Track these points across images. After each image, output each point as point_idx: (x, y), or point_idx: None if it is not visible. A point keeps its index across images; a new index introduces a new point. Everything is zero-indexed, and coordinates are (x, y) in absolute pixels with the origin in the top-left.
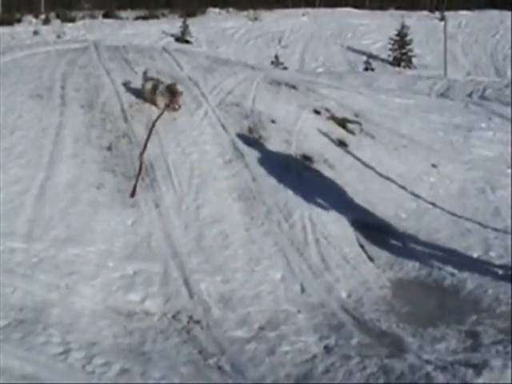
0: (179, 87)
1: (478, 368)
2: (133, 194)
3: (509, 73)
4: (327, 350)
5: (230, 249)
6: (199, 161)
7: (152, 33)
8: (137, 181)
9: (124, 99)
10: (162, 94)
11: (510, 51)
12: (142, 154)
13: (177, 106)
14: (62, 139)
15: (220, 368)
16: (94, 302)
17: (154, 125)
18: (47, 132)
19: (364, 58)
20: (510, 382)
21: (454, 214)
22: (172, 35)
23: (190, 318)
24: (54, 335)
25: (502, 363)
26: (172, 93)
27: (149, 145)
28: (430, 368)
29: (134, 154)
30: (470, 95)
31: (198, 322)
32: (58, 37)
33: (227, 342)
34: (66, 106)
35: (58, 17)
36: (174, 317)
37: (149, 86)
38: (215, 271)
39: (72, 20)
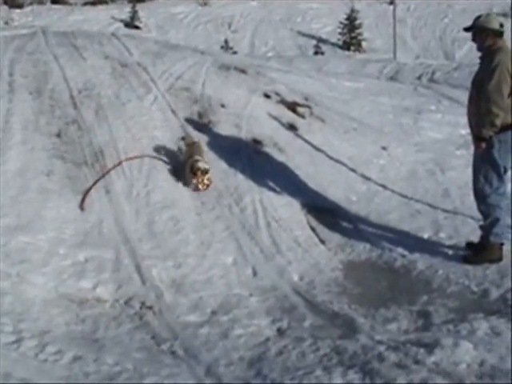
0: (201, 165)
1: (430, 347)
2: (82, 205)
3: (457, 56)
4: (280, 332)
5: (181, 234)
6: (149, 146)
7: (101, 18)
8: (87, 192)
9: (72, 85)
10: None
11: (458, 34)
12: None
13: (200, 186)
14: (10, 126)
15: (173, 353)
16: (45, 290)
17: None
18: None
19: (314, 42)
20: (460, 360)
21: (404, 196)
22: (121, 21)
23: (143, 303)
24: (6, 324)
25: (452, 342)
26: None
27: (98, 131)
28: (381, 348)
29: (83, 140)
30: (419, 78)
31: (150, 307)
32: (6, 23)
33: (180, 327)
34: (14, 93)
35: (5, 3)
36: (126, 303)
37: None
38: (167, 256)
39: (20, 6)
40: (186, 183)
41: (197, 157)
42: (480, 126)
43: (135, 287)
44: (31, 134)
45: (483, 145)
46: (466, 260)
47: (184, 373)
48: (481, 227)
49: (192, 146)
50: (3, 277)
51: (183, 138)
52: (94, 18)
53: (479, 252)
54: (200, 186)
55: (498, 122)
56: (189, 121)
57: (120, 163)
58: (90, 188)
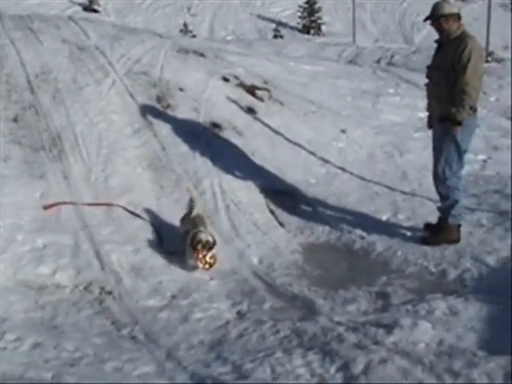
0: (204, 237)
1: (389, 327)
2: (46, 207)
3: (416, 40)
4: (240, 315)
5: (140, 219)
6: (107, 130)
7: (58, 2)
8: (58, 204)
9: (29, 69)
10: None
11: (417, 19)
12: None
13: (201, 265)
14: None
15: (133, 338)
16: (3, 277)
17: None
18: None
19: (273, 25)
20: (419, 339)
21: (362, 178)
22: (79, 4)
23: (102, 289)
24: None
25: (411, 322)
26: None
27: (55, 115)
28: (341, 329)
29: (40, 125)
30: (378, 61)
31: (109, 292)
32: None
33: (140, 312)
34: None
35: None
36: (85, 288)
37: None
38: (126, 241)
39: None
40: (184, 260)
41: (201, 228)
42: (456, 110)
43: (94, 272)
44: None
45: (458, 128)
46: (424, 241)
47: (145, 357)
48: (439, 209)
49: (195, 219)
50: None
51: (190, 210)
52: (50, 2)
53: (437, 233)
54: (200, 265)
55: (476, 105)
56: (147, 105)
57: (111, 205)
58: (64, 203)
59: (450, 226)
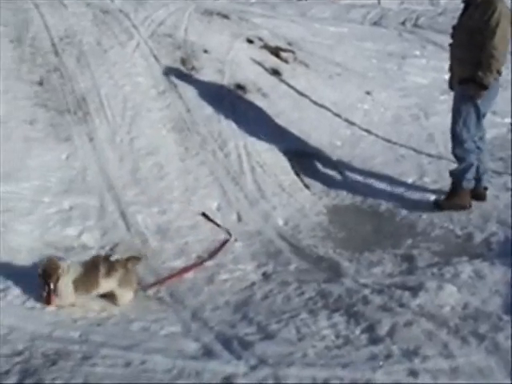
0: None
1: (414, 290)
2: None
3: (442, 1)
4: (265, 276)
5: (165, 180)
6: (132, 93)
7: None
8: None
9: (53, 33)
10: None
11: None
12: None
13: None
14: None
15: (159, 298)
16: (31, 239)
17: None
18: None
19: None
20: (444, 302)
21: (388, 141)
22: None
23: (128, 250)
24: None
25: (436, 285)
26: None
27: (80, 78)
28: (366, 291)
29: (65, 88)
30: (403, 23)
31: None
32: None
33: (166, 273)
34: None
35: None
36: (111, 250)
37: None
38: (151, 203)
39: None
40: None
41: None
42: (482, 74)
43: (120, 234)
44: (13, 83)
45: (483, 93)
46: (436, 205)
47: (171, 317)
48: (451, 173)
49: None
50: None
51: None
52: None
53: (450, 197)
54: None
55: (502, 69)
56: (172, 67)
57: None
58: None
59: (464, 191)
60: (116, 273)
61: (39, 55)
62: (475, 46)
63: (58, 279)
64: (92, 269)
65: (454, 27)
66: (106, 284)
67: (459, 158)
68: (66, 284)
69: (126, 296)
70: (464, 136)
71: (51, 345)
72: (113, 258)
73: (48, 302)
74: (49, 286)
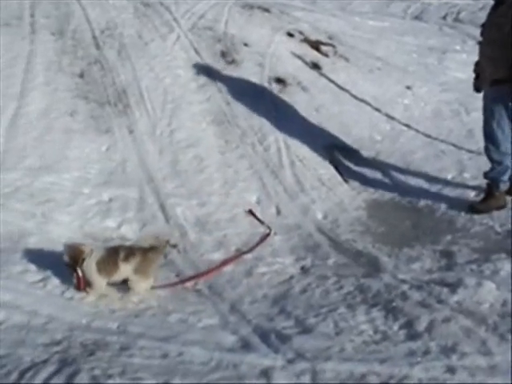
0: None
1: (453, 286)
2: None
3: None
4: (304, 270)
5: (205, 172)
6: (172, 85)
7: None
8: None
9: (95, 25)
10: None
11: None
12: None
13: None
14: (33, 67)
15: (198, 291)
16: (70, 230)
17: None
18: (18, 61)
19: None
20: (483, 299)
21: (428, 136)
22: None
23: (167, 242)
24: (32, 263)
25: (476, 282)
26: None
27: (121, 70)
28: (405, 287)
29: (106, 80)
30: (444, 18)
31: (174, 246)
32: None
33: (204, 265)
34: (36, 34)
35: None
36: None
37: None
38: (191, 195)
39: None
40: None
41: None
42: None
43: (159, 226)
44: (54, 75)
45: None
46: (472, 208)
47: (209, 310)
48: (487, 176)
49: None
50: (28, 217)
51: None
52: None
53: (486, 200)
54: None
55: None
56: (212, 60)
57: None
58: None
59: (500, 193)
60: (134, 259)
61: (80, 48)
62: (508, 46)
63: (82, 263)
64: (113, 253)
65: (483, 25)
66: (125, 268)
67: (495, 161)
68: (89, 266)
69: (140, 284)
70: (499, 138)
71: (89, 335)
72: (135, 246)
73: (79, 287)
74: (77, 272)
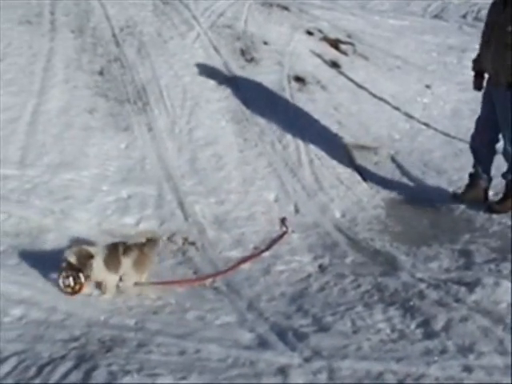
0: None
1: (471, 286)
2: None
3: None
4: (322, 268)
5: (223, 170)
6: (191, 83)
7: None
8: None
9: (114, 23)
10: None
11: None
12: None
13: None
14: (52, 65)
15: (215, 288)
16: (89, 227)
17: None
18: (37, 58)
19: None
20: (501, 299)
21: (447, 135)
22: None
23: (185, 239)
24: (50, 260)
25: (493, 281)
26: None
27: (140, 68)
28: (422, 286)
29: (125, 78)
30: (464, 17)
31: (192, 243)
32: None
33: (222, 263)
34: (55, 32)
35: None
36: (169, 239)
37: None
38: (209, 193)
39: None
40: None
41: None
42: None
43: (178, 223)
44: (74, 73)
45: None
46: (490, 208)
47: (226, 307)
48: (505, 176)
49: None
50: (47, 213)
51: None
52: None
53: (504, 200)
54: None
55: None
56: (231, 58)
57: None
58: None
59: None
60: (132, 252)
61: (100, 45)
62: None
63: (91, 265)
64: (113, 249)
65: (486, 24)
66: (125, 262)
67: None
68: (99, 266)
69: (132, 279)
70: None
71: (107, 331)
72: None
73: (77, 291)
74: (79, 275)
